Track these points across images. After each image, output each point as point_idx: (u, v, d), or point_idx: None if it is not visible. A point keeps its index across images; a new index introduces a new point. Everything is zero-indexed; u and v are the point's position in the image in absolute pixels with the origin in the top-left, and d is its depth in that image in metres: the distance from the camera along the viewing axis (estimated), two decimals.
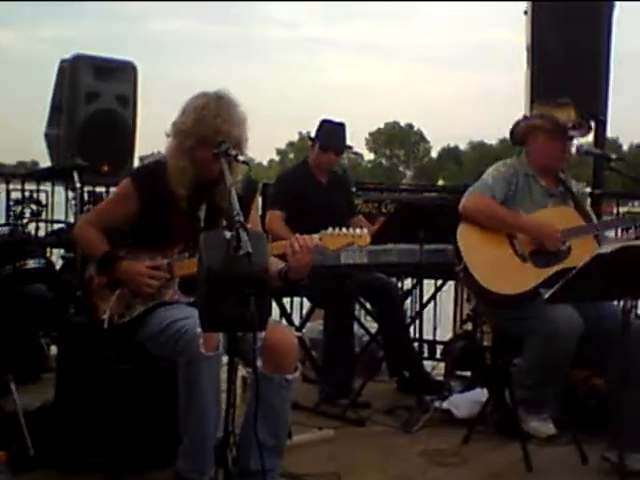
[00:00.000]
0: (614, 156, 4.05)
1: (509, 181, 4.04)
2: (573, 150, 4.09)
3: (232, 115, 3.09)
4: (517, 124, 4.18)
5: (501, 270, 3.87)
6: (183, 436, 2.97)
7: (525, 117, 4.20)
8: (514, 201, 4.04)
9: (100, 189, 5.46)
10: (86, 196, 5.21)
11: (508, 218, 3.97)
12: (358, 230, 3.13)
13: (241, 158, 2.92)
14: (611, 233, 4.32)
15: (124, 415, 3.27)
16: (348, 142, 5.08)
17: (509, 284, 3.83)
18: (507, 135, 4.27)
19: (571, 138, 4.05)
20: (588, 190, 5.92)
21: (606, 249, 3.00)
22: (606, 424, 3.79)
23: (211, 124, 3.05)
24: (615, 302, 3.74)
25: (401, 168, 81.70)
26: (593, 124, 5.41)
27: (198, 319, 2.57)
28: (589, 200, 4.33)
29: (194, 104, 3.12)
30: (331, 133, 4.98)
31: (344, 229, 3.10)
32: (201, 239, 2.54)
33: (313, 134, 5.05)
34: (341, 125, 5.01)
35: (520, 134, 4.18)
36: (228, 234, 2.48)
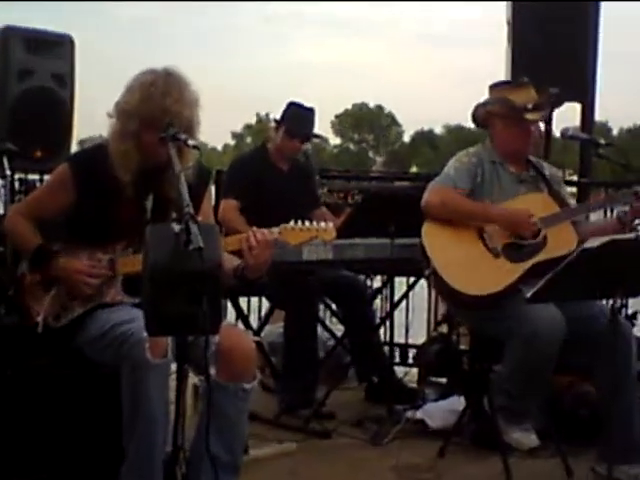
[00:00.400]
0: (602, 141, 4.09)
1: (474, 171, 4.08)
2: (557, 134, 4.14)
3: (183, 94, 3.08)
4: (476, 109, 4.22)
5: (472, 269, 3.90)
6: (127, 452, 2.96)
7: (483, 102, 4.24)
8: (482, 192, 4.07)
9: (33, 176, 5.40)
10: (17, 184, 5.15)
11: (476, 209, 4.00)
12: (323, 224, 3.14)
13: (192, 142, 2.91)
14: (594, 216, 4.38)
15: (60, 428, 3.24)
16: (316, 129, 5.10)
17: (482, 284, 3.86)
18: None
19: (535, 120, 4.10)
20: (575, 178, 5.99)
21: (592, 243, 3.04)
22: (593, 434, 3.84)
23: (159, 104, 3.04)
24: (603, 301, 3.79)
25: (370, 154, 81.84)
26: (579, 106, 5.49)
27: (143, 322, 2.56)
28: (564, 185, 4.37)
29: (140, 81, 3.11)
30: (299, 118, 4.99)
31: (307, 222, 3.10)
32: (147, 233, 2.53)
33: (279, 116, 5.05)
34: (310, 110, 5.03)
35: (480, 120, 4.23)
36: (177, 227, 2.47)
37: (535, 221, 3.94)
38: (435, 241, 3.97)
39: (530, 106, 4.04)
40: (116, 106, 3.15)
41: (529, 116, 4.05)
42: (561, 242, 3.88)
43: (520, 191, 4.12)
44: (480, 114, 4.21)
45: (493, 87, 4.22)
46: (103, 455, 3.21)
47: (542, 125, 4.37)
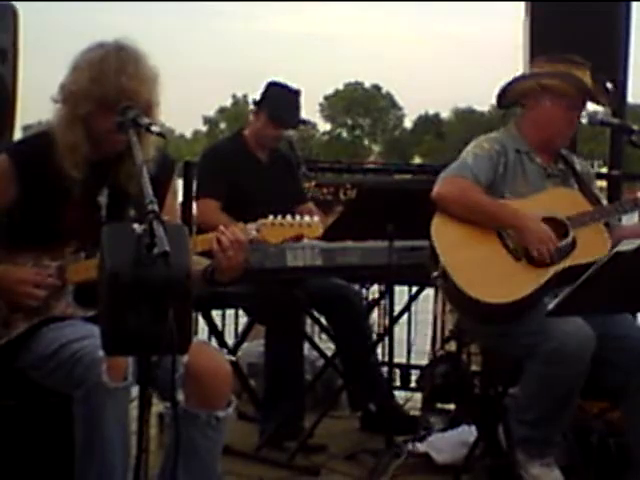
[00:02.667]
0: (636, 127, 4.10)
1: (496, 160, 4.07)
2: (584, 120, 4.14)
3: (139, 71, 3.08)
4: (517, 81, 4.18)
5: (488, 272, 3.90)
6: None
7: (533, 74, 4.21)
8: (503, 184, 4.07)
9: None
10: None
11: (495, 212, 3.97)
12: (307, 218, 3.14)
13: (155, 129, 2.90)
14: (632, 218, 4.39)
15: (1, 465, 3.22)
16: (302, 114, 5.11)
17: (501, 290, 3.85)
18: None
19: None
20: (604, 170, 6.01)
21: (627, 246, 3.03)
22: (626, 468, 3.84)
23: (112, 83, 3.03)
24: (638, 316, 3.80)
25: (366, 142, 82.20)
26: (611, 87, 5.50)
27: (99, 339, 2.54)
28: (595, 182, 4.38)
29: (88, 59, 3.10)
30: (283, 102, 5.01)
31: (289, 217, 3.10)
32: (103, 234, 2.52)
33: (258, 98, 5.06)
34: (296, 93, 5.04)
35: (519, 95, 4.19)
36: (138, 228, 2.46)
37: (553, 252, 3.91)
38: (447, 238, 3.97)
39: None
40: (61, 89, 3.14)
41: (600, 99, 4.05)
42: (592, 246, 3.88)
43: (546, 186, 4.12)
44: (523, 88, 4.15)
45: (540, 60, 4.20)
46: None
47: None
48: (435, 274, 3.98)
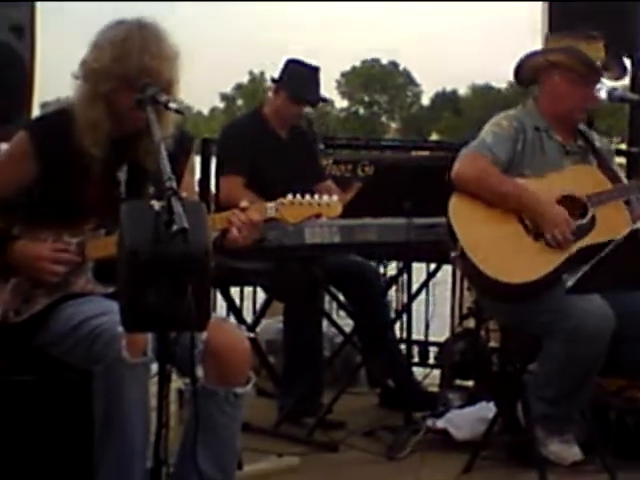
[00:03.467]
0: None
1: (514, 138, 4.06)
2: (603, 95, 4.11)
3: (161, 50, 3.08)
4: (527, 59, 4.17)
5: (507, 252, 3.89)
6: (99, 469, 2.96)
7: (543, 50, 4.20)
8: (521, 162, 4.06)
9: None
10: None
11: (512, 193, 3.96)
12: (326, 197, 3.14)
13: (174, 106, 2.91)
14: None
15: (20, 444, 3.23)
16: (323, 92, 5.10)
17: (518, 270, 3.85)
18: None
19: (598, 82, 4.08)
20: (623, 147, 5.97)
21: None
22: None
23: (135, 62, 3.03)
24: None
25: (383, 119, 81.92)
26: (629, 63, 5.46)
27: (119, 315, 2.56)
28: (615, 159, 4.35)
29: (111, 37, 3.10)
30: (303, 79, 5.00)
31: (307, 196, 3.10)
32: (122, 211, 2.53)
33: (277, 76, 5.04)
34: (315, 69, 5.03)
35: (532, 72, 4.18)
36: (157, 205, 2.46)
37: (568, 235, 3.89)
38: (465, 217, 3.96)
39: (599, 64, 4.02)
40: (83, 65, 3.14)
41: (607, 75, 4.03)
42: (612, 225, 3.86)
43: (565, 164, 4.11)
44: (536, 64, 4.15)
45: (553, 36, 4.19)
46: (72, 473, 3.21)
47: None
48: (453, 254, 3.98)
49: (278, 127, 5.07)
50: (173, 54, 3.11)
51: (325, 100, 5.24)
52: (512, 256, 3.89)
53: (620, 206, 4.00)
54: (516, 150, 4.06)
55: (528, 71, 4.20)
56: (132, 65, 3.04)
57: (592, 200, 3.97)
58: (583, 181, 4.03)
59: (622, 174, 4.25)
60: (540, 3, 5.48)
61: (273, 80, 5.10)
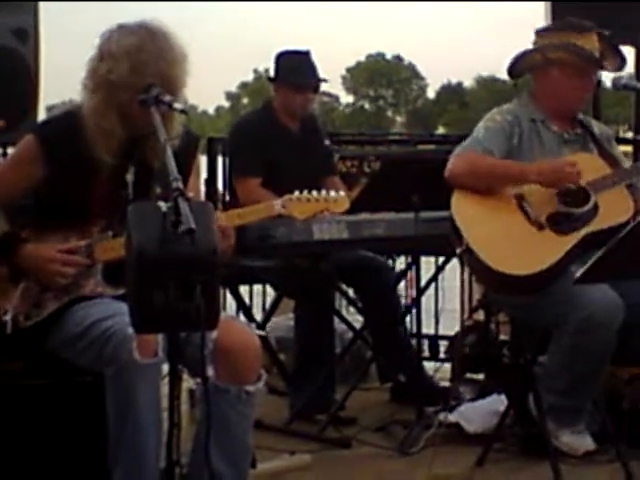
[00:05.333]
0: None
1: (509, 131, 4.07)
2: (608, 84, 4.12)
3: (175, 56, 3.09)
4: (524, 55, 4.17)
5: (512, 244, 3.89)
6: (113, 470, 2.97)
7: (538, 48, 4.20)
8: (520, 154, 4.06)
9: None
10: None
11: (510, 169, 4.00)
12: (333, 193, 3.15)
13: (178, 106, 2.91)
14: None
15: (34, 445, 3.25)
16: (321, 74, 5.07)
17: (525, 261, 3.84)
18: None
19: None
20: (630, 135, 5.97)
21: None
22: None
23: (152, 71, 3.03)
24: None
25: (389, 113, 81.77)
26: (632, 51, 5.46)
27: (129, 317, 2.57)
28: (616, 145, 4.35)
29: (124, 46, 3.07)
30: (296, 66, 4.97)
31: (314, 192, 3.11)
32: (129, 213, 2.54)
33: (272, 74, 5.04)
34: (305, 54, 5.00)
35: (528, 68, 4.20)
36: (164, 205, 2.47)
37: (579, 170, 3.90)
38: (467, 213, 3.96)
39: (597, 55, 4.03)
40: (94, 75, 3.12)
41: (605, 65, 4.04)
42: (615, 210, 3.87)
43: (564, 153, 4.11)
44: (530, 62, 4.16)
45: (543, 31, 4.19)
46: (85, 478, 3.22)
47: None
48: (460, 250, 3.98)
49: (289, 121, 5.04)
50: (183, 57, 3.12)
51: (325, 80, 5.17)
52: (517, 248, 3.89)
53: (622, 191, 4.00)
54: (512, 144, 4.07)
55: (524, 67, 4.21)
56: (149, 75, 3.03)
57: (594, 186, 3.97)
58: (583, 169, 4.02)
59: (625, 160, 4.26)
60: None
61: (270, 79, 5.09)
